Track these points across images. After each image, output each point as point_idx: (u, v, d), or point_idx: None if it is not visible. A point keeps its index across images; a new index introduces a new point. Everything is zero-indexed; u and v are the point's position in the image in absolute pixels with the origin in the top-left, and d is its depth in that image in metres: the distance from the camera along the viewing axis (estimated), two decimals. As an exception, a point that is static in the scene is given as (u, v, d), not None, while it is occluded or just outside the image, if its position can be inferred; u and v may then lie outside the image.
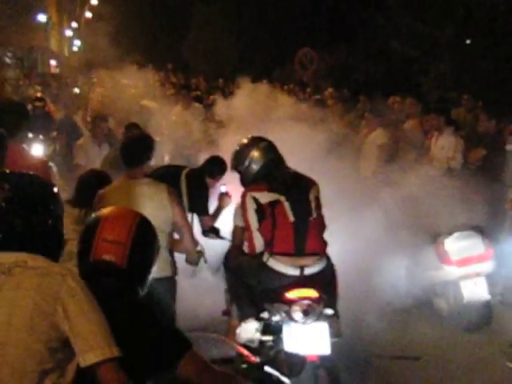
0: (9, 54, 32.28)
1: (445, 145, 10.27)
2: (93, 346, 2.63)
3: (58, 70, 38.12)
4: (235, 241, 6.11)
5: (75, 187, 6.23)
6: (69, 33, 50.77)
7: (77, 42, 50.16)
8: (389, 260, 7.93)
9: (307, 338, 5.12)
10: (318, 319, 5.22)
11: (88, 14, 48.24)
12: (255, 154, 5.73)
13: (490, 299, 7.85)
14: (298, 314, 5.21)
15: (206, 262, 6.06)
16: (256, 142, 5.86)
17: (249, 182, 5.81)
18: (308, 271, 5.51)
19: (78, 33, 50.60)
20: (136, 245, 3.12)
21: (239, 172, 5.94)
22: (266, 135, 6.25)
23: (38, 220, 2.86)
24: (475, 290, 7.76)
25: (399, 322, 7.77)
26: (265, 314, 5.40)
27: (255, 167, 5.71)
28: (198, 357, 3.05)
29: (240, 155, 5.88)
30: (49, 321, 2.62)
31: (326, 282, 5.56)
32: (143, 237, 3.19)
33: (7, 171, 3.24)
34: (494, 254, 7.89)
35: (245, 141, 5.97)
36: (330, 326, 5.26)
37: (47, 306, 2.62)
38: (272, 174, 5.68)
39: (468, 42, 22.22)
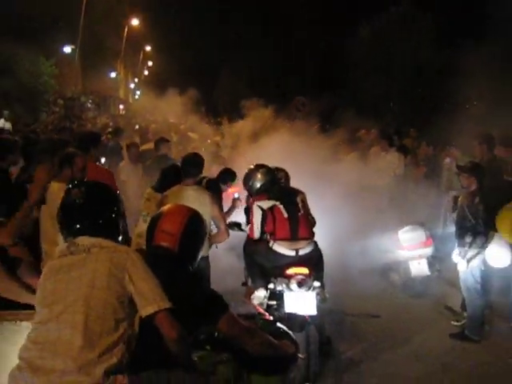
0: (90, 100, 32.47)
1: (392, 159, 10.36)
2: (150, 301, 2.69)
3: (124, 112, 38.24)
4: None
5: (159, 177, 6.47)
6: (132, 85, 50.92)
7: (137, 92, 50.29)
8: (359, 244, 7.95)
9: (301, 302, 5.16)
10: (308, 289, 5.28)
11: (146, 72, 48.35)
12: (258, 176, 5.98)
13: (430, 274, 7.83)
14: (294, 286, 5.28)
15: (216, 247, 6.14)
16: (258, 167, 6.07)
17: (254, 194, 5.98)
18: (301, 252, 5.55)
19: (138, 85, 50.77)
20: (186, 235, 3.09)
21: (247, 189, 6.15)
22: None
23: (106, 214, 2.95)
24: (419, 268, 7.74)
25: (365, 289, 7.73)
26: (271, 285, 5.41)
27: (258, 184, 5.96)
28: (232, 315, 3.05)
29: (247, 177, 6.08)
30: (119, 283, 2.69)
31: (314, 261, 5.59)
32: (193, 228, 3.16)
33: (85, 180, 3.29)
34: (432, 242, 7.90)
35: (251, 167, 6.16)
36: (317, 294, 5.29)
37: (118, 273, 2.70)
38: (269, 188, 5.90)
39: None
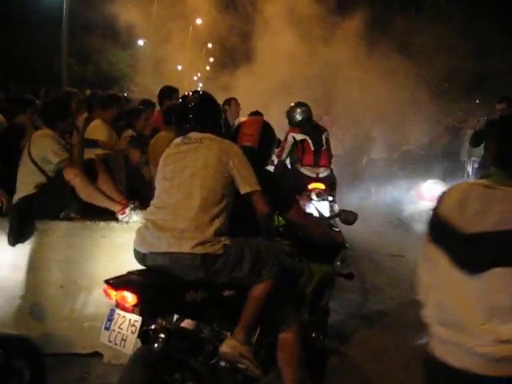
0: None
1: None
2: (249, 182, 2.99)
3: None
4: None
5: None
6: (195, 78, 51.35)
7: (200, 85, 50.65)
8: (387, 193, 8.06)
9: (319, 208, 5.41)
10: (323, 200, 6.36)
11: (207, 67, 48.65)
12: (298, 111, 6.82)
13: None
14: (314, 196, 6.38)
15: None
16: (300, 105, 6.91)
17: (291, 125, 6.86)
18: (321, 175, 6.70)
19: (200, 79, 51.18)
20: (262, 135, 3.40)
21: (288, 119, 6.92)
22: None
23: (213, 116, 3.26)
24: (441, 217, 7.78)
25: (390, 234, 7.83)
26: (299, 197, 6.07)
27: (297, 117, 6.80)
28: (301, 207, 3.45)
29: (291, 110, 6.90)
30: (225, 166, 2.96)
31: (329, 182, 6.67)
32: (266, 130, 3.46)
33: (197, 90, 3.71)
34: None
35: (293, 103, 7.00)
36: (329, 205, 6.38)
37: (224, 158, 2.97)
38: (304, 124, 6.78)
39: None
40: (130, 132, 5.41)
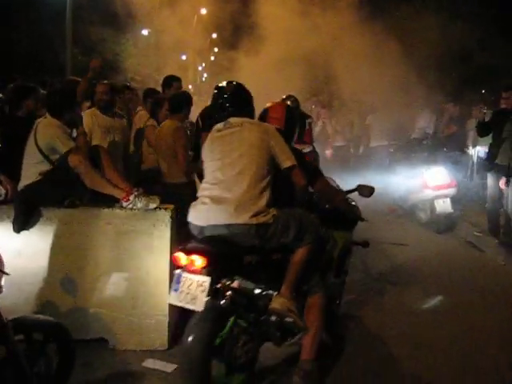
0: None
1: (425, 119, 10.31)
2: (289, 158, 3.38)
3: (192, 91, 38.52)
4: None
5: None
6: (200, 68, 51.17)
7: (205, 75, 50.53)
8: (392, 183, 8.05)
9: None
10: None
11: (212, 58, 48.43)
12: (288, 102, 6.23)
13: (453, 212, 7.84)
14: None
15: None
16: (289, 97, 6.70)
17: None
18: (304, 151, 6.15)
19: (205, 69, 51.00)
20: (287, 117, 3.75)
21: None
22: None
23: (248, 103, 3.66)
24: (444, 206, 7.76)
25: (395, 223, 7.81)
26: None
27: None
28: (325, 179, 3.87)
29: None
30: (267, 145, 3.34)
31: (312, 158, 6.91)
32: (290, 114, 3.82)
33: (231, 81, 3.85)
34: (456, 184, 7.87)
35: (285, 96, 6.73)
36: None
37: (265, 138, 3.36)
38: None
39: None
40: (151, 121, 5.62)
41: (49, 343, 3.06)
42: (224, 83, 3.69)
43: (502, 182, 6.78)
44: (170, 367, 3.67)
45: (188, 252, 3.05)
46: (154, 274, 3.88)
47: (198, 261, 2.99)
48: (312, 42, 9.86)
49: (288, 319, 3.24)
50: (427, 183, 7.77)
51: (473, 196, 9.27)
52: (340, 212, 3.89)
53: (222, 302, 3.02)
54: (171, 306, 3.81)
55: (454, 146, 9.34)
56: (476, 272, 6.05)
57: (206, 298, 2.95)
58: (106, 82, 5.44)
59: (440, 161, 8.00)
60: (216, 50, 49.90)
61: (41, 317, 3.27)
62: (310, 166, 3.83)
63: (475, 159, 9.77)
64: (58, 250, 3.92)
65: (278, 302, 3.22)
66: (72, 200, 4.02)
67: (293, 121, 3.82)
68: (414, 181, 7.99)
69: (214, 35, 46.34)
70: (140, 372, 3.63)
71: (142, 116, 6.00)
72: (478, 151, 9.66)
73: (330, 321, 3.69)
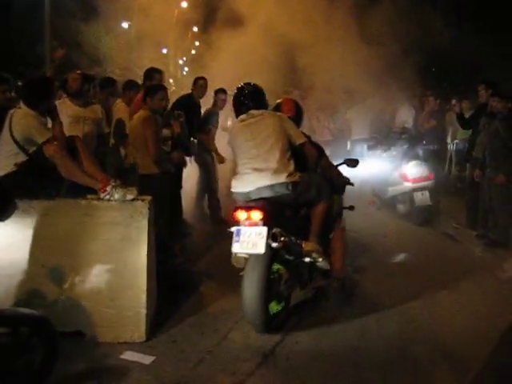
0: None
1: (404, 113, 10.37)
2: (301, 136, 4.46)
3: (174, 84, 38.20)
4: None
5: None
6: (181, 62, 50.77)
7: (186, 69, 50.17)
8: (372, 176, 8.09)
9: None
10: None
11: (193, 51, 48.09)
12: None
13: (432, 205, 7.90)
14: None
15: None
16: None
17: None
18: None
19: (186, 63, 50.62)
20: (296, 108, 4.93)
21: None
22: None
23: (264, 98, 4.58)
24: (422, 198, 7.81)
25: (374, 215, 7.84)
26: None
27: None
28: (327, 157, 5.04)
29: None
30: (284, 128, 4.36)
31: None
32: (297, 107, 4.97)
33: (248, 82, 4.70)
34: (434, 177, 7.93)
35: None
36: None
37: (281, 123, 4.38)
38: None
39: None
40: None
41: (34, 337, 3.00)
42: (243, 84, 4.57)
43: (476, 175, 6.86)
44: (148, 359, 3.65)
45: (247, 209, 3.97)
46: (132, 266, 3.84)
47: (257, 214, 3.92)
48: (291, 35, 9.81)
49: (319, 259, 4.19)
50: (406, 176, 7.82)
51: (451, 189, 9.36)
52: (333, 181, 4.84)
53: (275, 245, 3.89)
54: (149, 299, 3.80)
55: (432, 139, 9.43)
56: (453, 263, 6.10)
57: (265, 244, 3.79)
58: (78, 71, 5.40)
59: (419, 154, 8.04)
60: (197, 43, 49.69)
61: (26, 310, 3.22)
62: (316, 144, 4.89)
63: (453, 152, 9.87)
64: (34, 242, 3.86)
65: (311, 245, 4.17)
66: (49, 191, 3.95)
67: (300, 111, 4.92)
68: (393, 173, 8.02)
69: (195, 29, 46.22)
70: (119, 364, 3.60)
71: (120, 108, 5.93)
72: (457, 144, 9.76)
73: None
